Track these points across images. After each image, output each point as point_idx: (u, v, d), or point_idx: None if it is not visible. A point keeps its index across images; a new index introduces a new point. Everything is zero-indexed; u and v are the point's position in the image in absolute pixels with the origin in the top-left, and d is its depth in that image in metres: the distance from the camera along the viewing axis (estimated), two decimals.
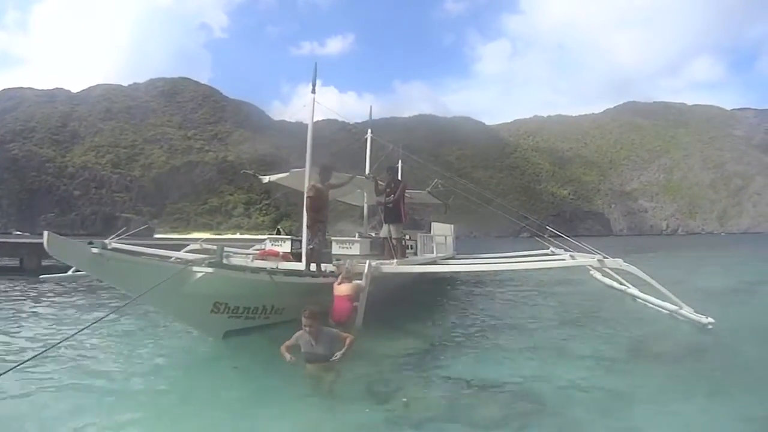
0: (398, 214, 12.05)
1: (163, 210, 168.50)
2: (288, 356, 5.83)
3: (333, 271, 9.48)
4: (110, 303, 11.59)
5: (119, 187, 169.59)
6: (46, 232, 5.86)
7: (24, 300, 12.27)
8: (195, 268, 7.08)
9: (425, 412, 5.17)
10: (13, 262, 20.36)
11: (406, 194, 12.64)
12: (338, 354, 5.80)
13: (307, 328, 5.71)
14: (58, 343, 5.40)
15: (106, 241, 7.89)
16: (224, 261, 7.79)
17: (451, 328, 9.74)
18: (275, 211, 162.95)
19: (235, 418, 4.96)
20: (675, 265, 28.44)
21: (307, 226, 9.78)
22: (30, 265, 18.89)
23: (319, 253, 9.74)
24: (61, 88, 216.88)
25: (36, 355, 4.91)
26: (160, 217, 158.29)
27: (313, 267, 9.63)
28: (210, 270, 7.01)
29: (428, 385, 6.06)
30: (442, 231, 17.68)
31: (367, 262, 9.40)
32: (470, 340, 8.58)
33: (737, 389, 6.01)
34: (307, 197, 9.65)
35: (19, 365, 4.61)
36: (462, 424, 4.86)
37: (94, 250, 6.26)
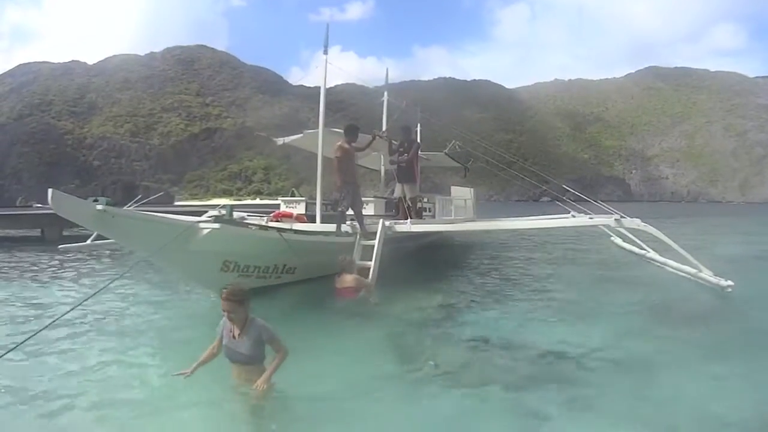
0: (411, 174, 11.81)
1: (183, 177, 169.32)
2: (189, 369, 4.34)
3: (348, 231, 9.43)
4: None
5: (138, 156, 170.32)
6: (50, 189, 5.85)
7: (44, 268, 12.29)
8: (202, 225, 7.06)
9: (451, 371, 5.18)
10: (35, 233, 20.73)
11: (422, 155, 12.44)
12: (268, 373, 4.19)
13: (225, 314, 4.21)
14: (70, 310, 5.33)
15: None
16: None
17: (473, 291, 9.70)
18: (295, 175, 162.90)
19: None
20: (695, 231, 28.07)
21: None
22: (51, 236, 19.15)
23: (344, 215, 9.64)
24: (77, 61, 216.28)
25: (49, 324, 4.86)
26: (180, 185, 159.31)
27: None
28: (216, 226, 6.98)
29: (452, 345, 6.07)
30: (461, 194, 17.49)
31: (381, 221, 9.33)
32: (492, 303, 8.55)
33: (760, 353, 5.94)
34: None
35: (35, 334, 4.51)
36: (488, 384, 4.84)
37: (99, 207, 6.24)
